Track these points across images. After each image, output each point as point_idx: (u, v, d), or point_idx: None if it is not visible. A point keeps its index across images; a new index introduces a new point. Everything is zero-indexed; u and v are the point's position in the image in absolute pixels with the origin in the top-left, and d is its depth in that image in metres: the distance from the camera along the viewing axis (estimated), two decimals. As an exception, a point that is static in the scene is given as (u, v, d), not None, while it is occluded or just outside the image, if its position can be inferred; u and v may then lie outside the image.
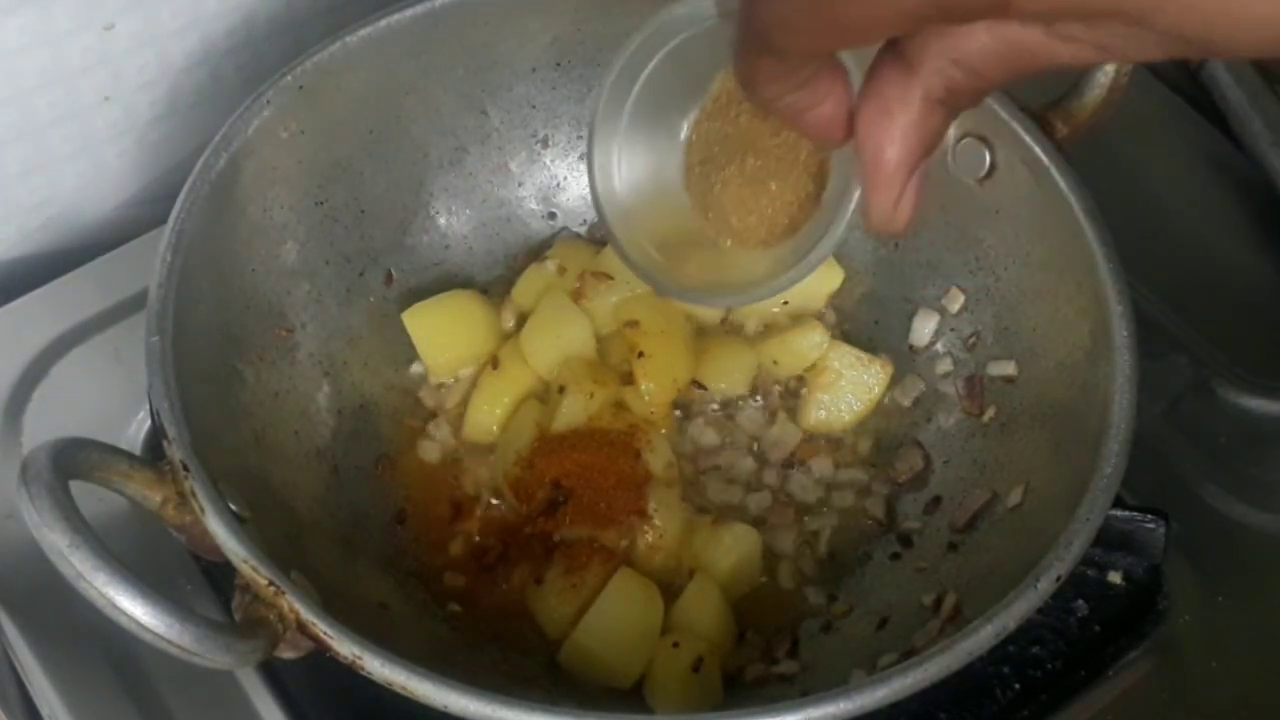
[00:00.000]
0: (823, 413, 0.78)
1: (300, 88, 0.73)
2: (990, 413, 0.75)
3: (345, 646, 0.58)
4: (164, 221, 0.68)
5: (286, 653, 0.59)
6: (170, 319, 0.65)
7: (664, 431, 0.76)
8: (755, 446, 0.78)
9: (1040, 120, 0.73)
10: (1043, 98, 0.74)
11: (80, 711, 0.70)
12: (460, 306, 0.79)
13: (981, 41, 0.45)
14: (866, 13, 0.43)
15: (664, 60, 0.59)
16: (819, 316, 0.80)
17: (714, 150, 0.61)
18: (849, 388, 0.78)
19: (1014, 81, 0.47)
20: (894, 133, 0.46)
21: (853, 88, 0.49)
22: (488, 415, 0.77)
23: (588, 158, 0.63)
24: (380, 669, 0.58)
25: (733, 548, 0.73)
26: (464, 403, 0.78)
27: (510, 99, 0.81)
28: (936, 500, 0.75)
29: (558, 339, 0.77)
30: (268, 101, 0.72)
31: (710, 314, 0.80)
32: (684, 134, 0.62)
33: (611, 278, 0.79)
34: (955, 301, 0.78)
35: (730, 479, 0.77)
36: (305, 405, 0.75)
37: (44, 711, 0.71)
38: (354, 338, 0.78)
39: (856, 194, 0.55)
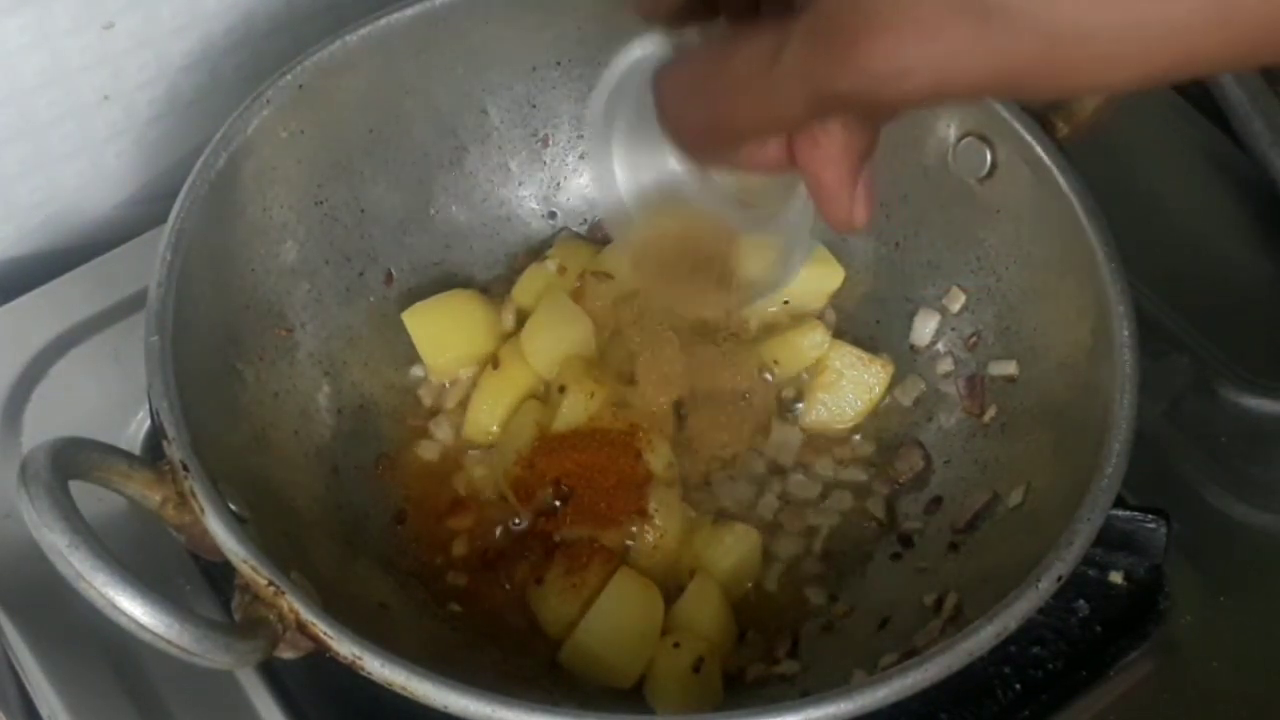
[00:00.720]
0: (823, 412, 0.78)
1: (300, 87, 0.73)
2: (991, 412, 0.75)
3: (345, 646, 0.58)
4: (163, 221, 0.68)
5: (286, 653, 0.59)
6: (170, 319, 0.65)
7: (664, 431, 0.76)
8: (757, 447, 0.78)
9: (1041, 119, 0.72)
10: (1044, 97, 0.73)
11: (80, 711, 0.70)
12: (460, 306, 0.79)
13: None
14: (756, 125, 0.47)
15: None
16: (820, 316, 0.80)
17: None
18: (850, 387, 0.78)
19: None
20: (825, 157, 0.48)
21: None
22: (488, 415, 0.77)
23: (598, 171, 0.63)
24: (380, 669, 0.58)
25: (733, 548, 0.73)
26: (464, 403, 0.78)
27: (510, 98, 0.81)
28: (937, 500, 0.75)
29: (558, 339, 0.77)
30: (267, 101, 0.72)
31: (711, 313, 0.80)
32: None
33: (612, 277, 0.79)
34: (956, 301, 0.78)
35: (731, 479, 0.77)
36: (305, 405, 0.75)
37: (44, 712, 0.71)
38: (354, 338, 0.78)
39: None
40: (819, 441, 0.78)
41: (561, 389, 0.76)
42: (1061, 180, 0.71)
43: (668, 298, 0.68)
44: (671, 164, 0.60)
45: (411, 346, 0.79)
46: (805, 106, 0.44)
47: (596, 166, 0.61)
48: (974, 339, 0.78)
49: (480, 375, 0.78)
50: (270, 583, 0.58)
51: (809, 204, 0.59)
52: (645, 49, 0.57)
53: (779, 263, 0.63)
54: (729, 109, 0.47)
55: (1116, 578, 0.73)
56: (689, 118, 0.49)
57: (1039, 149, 0.72)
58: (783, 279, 0.64)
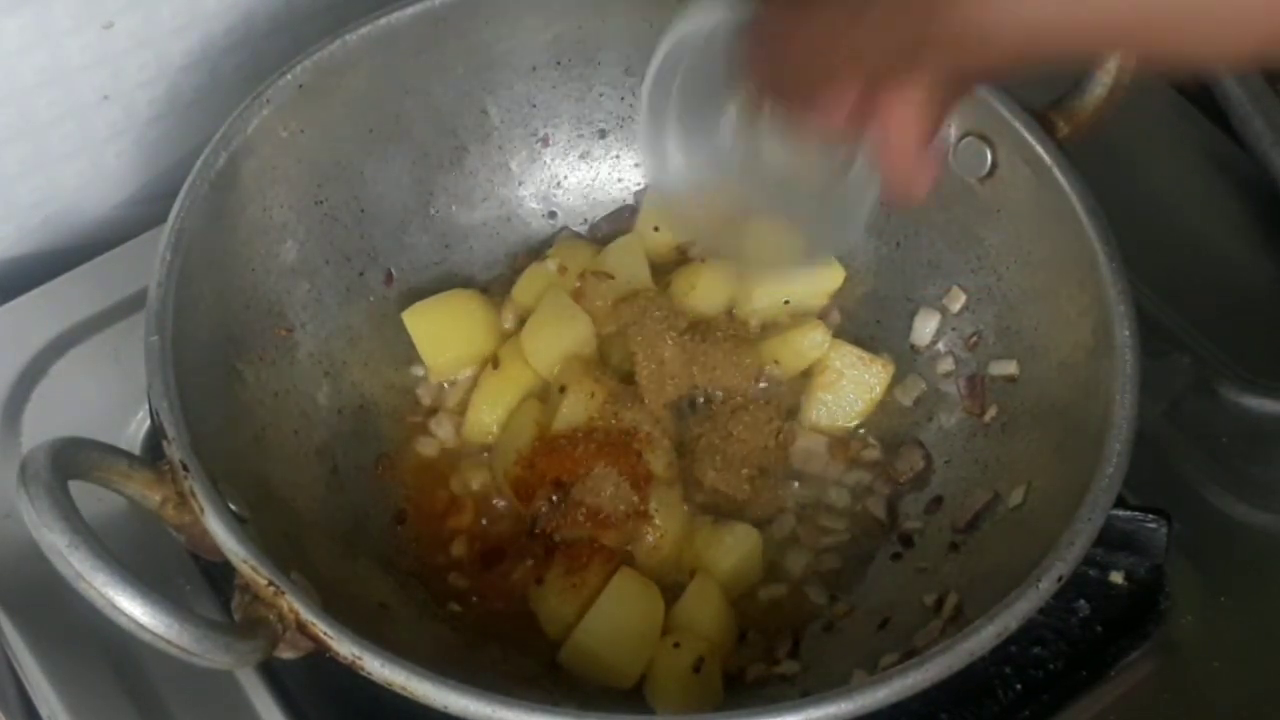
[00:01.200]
0: (824, 412, 0.78)
1: (300, 87, 0.73)
2: (992, 412, 0.75)
3: (345, 646, 0.58)
4: (163, 221, 0.68)
5: (286, 653, 0.59)
6: (170, 319, 0.65)
7: (664, 431, 0.76)
8: (759, 444, 0.77)
9: (1042, 119, 0.73)
10: (1045, 96, 0.73)
11: (80, 711, 0.70)
12: (460, 306, 0.79)
13: None
14: (847, 65, 0.47)
15: (702, 53, 0.60)
16: (820, 316, 0.80)
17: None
18: (850, 387, 0.78)
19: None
20: (902, 119, 0.48)
21: None
22: (488, 415, 0.77)
23: (641, 141, 0.63)
24: (380, 669, 0.58)
25: (733, 548, 0.73)
26: (464, 402, 0.78)
27: (511, 98, 0.81)
28: (938, 500, 0.75)
29: (558, 338, 0.77)
30: (267, 100, 0.72)
31: (711, 313, 0.80)
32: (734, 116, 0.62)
33: (612, 277, 0.79)
34: (957, 301, 0.78)
35: (752, 494, 0.76)
36: (305, 405, 0.75)
37: (43, 712, 0.71)
38: (354, 337, 0.78)
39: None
40: (837, 447, 0.78)
41: (561, 389, 0.76)
42: (1062, 180, 0.71)
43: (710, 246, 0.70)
44: (723, 141, 0.61)
45: (411, 346, 0.79)
46: (899, 49, 0.44)
47: (646, 141, 0.62)
48: (974, 339, 0.77)
49: (480, 375, 0.78)
50: (270, 583, 0.58)
51: (853, 190, 0.59)
52: (699, 20, 0.57)
53: (813, 243, 0.64)
54: (823, 49, 0.47)
55: (1117, 578, 0.73)
56: (780, 62, 0.49)
57: (1039, 149, 0.72)
58: (818, 256, 0.65)
